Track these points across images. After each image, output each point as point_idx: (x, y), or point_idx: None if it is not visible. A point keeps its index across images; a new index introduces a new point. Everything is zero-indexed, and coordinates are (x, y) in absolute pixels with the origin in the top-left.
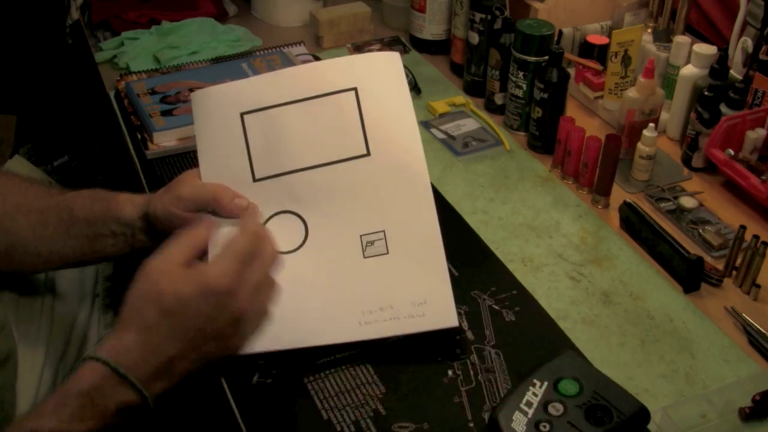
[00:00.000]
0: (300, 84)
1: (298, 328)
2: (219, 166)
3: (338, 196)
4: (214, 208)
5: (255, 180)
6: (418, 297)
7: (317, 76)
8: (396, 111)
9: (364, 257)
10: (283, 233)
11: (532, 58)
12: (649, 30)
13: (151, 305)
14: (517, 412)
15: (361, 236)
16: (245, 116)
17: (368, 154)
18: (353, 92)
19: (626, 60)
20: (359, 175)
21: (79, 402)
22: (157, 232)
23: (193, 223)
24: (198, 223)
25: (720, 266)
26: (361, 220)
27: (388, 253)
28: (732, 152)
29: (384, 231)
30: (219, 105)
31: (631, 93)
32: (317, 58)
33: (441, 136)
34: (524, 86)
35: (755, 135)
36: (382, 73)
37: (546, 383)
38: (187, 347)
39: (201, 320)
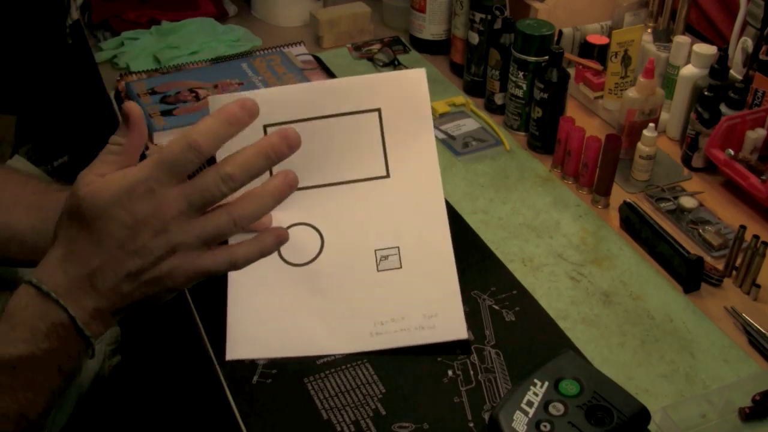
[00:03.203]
0: (324, 100)
1: (311, 336)
2: None
3: (355, 213)
4: None
5: None
6: (429, 310)
7: (342, 94)
8: (417, 133)
9: (378, 270)
10: (300, 245)
11: (532, 58)
12: (649, 30)
13: (71, 217)
14: (517, 411)
15: (375, 251)
16: (268, 129)
17: (387, 176)
18: (376, 113)
19: (626, 60)
20: (378, 196)
21: (7, 324)
22: None
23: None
24: (127, 124)
25: (720, 266)
26: (376, 235)
27: (401, 267)
28: (732, 152)
29: (398, 247)
30: None
31: (631, 93)
32: (317, 58)
33: (441, 136)
34: (524, 86)
35: (755, 135)
36: (406, 94)
37: (546, 383)
38: (107, 259)
39: (118, 227)
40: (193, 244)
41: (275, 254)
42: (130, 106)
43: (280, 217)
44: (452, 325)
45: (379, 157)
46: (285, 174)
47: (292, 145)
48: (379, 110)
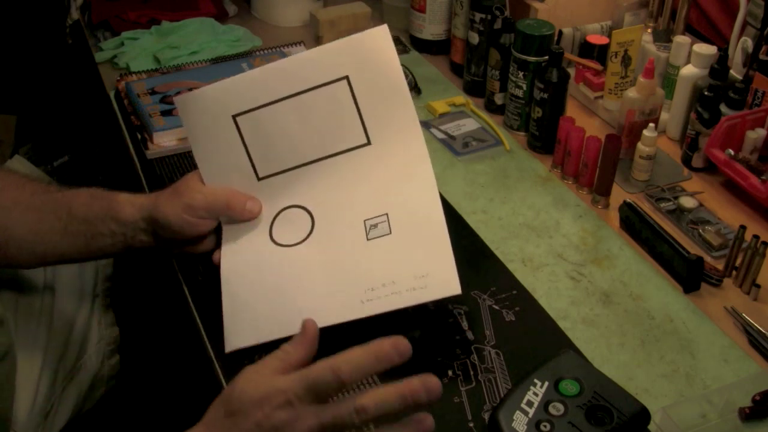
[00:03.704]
0: (290, 79)
1: (302, 313)
2: (221, 170)
3: (342, 186)
4: (228, 215)
5: (259, 179)
6: (420, 270)
7: (306, 69)
8: (392, 93)
9: (368, 240)
10: (290, 227)
11: (532, 58)
12: (649, 30)
13: (223, 403)
14: (517, 411)
15: (364, 221)
16: (238, 118)
17: (368, 143)
18: (345, 81)
19: (626, 60)
20: (361, 164)
21: None
22: (162, 234)
23: (300, 337)
24: (302, 338)
25: (720, 266)
26: (365, 206)
27: (390, 233)
28: (732, 152)
29: (387, 214)
30: (208, 109)
31: (631, 93)
32: None
33: (441, 136)
34: (524, 86)
35: (755, 135)
36: (372, 55)
37: (547, 383)
38: None
39: (253, 427)
40: None
41: (266, 238)
42: (311, 323)
43: (270, 203)
44: (444, 283)
45: (357, 125)
46: (425, 418)
47: (431, 391)
48: (347, 77)
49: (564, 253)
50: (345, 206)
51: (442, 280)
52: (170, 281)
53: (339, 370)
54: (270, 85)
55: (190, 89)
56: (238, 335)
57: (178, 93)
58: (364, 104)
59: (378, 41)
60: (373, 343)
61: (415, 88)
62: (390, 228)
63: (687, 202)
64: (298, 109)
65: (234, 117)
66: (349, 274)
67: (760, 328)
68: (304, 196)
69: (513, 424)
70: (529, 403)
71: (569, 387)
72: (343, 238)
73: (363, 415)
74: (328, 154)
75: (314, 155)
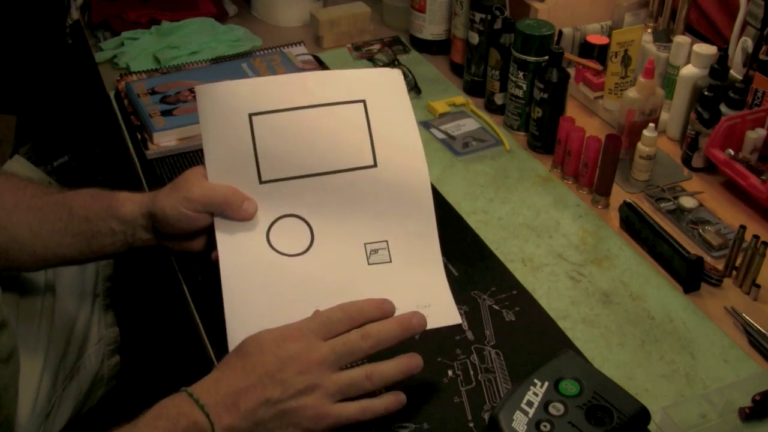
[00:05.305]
0: (310, 91)
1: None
2: (226, 166)
3: (343, 204)
4: (224, 211)
5: (261, 182)
6: (423, 300)
7: (327, 85)
8: (402, 125)
9: (368, 264)
10: (289, 236)
11: (532, 58)
12: (649, 30)
13: (235, 350)
14: (517, 411)
15: (365, 244)
16: (253, 117)
17: (375, 165)
18: (362, 104)
19: (626, 60)
20: (365, 186)
21: (157, 412)
22: (161, 229)
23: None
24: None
25: (720, 266)
26: (365, 228)
27: (391, 261)
28: (732, 152)
29: (387, 241)
30: (226, 103)
31: (631, 93)
32: (317, 58)
33: (441, 136)
34: (524, 86)
35: (755, 135)
36: (388, 88)
37: (547, 383)
38: (254, 383)
39: (269, 359)
40: (329, 389)
41: (263, 242)
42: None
43: (268, 208)
44: (446, 313)
45: (366, 146)
46: (415, 355)
47: (420, 319)
48: (364, 101)
49: (564, 253)
50: (345, 225)
51: (443, 310)
52: (170, 281)
53: (348, 308)
54: (292, 92)
55: (190, 89)
56: (242, 337)
57: (178, 93)
58: (376, 128)
59: (392, 80)
60: (376, 298)
61: (415, 88)
62: (390, 256)
63: (687, 202)
64: (313, 121)
65: (250, 115)
66: (353, 295)
67: (760, 328)
68: (304, 207)
69: (513, 424)
70: (529, 403)
71: (569, 387)
72: (344, 258)
73: (368, 339)
74: (334, 169)
75: (320, 168)
